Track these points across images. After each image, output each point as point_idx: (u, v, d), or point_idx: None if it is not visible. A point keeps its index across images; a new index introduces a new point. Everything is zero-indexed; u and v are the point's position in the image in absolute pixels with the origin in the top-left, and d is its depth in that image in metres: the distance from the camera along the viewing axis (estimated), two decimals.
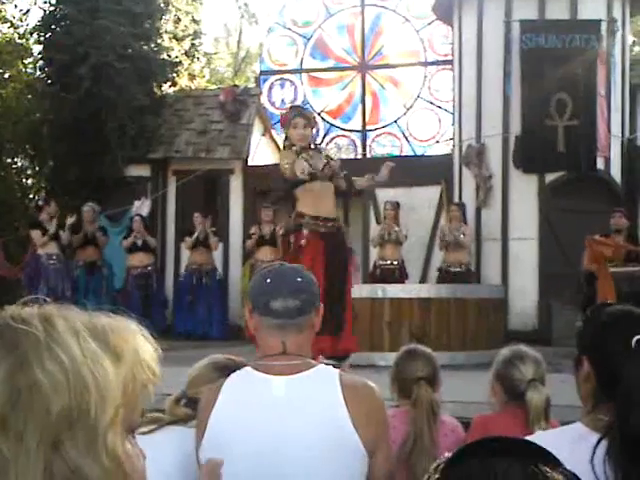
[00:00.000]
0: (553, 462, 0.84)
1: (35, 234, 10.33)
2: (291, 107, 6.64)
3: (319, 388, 1.94)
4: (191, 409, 2.25)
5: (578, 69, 9.86)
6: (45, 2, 13.19)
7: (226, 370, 2.33)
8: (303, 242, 5.94)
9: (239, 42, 25.22)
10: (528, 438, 1.82)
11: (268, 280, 2.01)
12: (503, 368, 2.84)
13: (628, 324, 1.77)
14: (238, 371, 2.04)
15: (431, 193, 11.72)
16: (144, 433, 2.03)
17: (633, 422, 1.57)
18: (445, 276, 9.85)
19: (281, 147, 6.14)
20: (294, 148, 5.85)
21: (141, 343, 0.84)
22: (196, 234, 11.00)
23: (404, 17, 13.68)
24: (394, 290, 8.03)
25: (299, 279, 2.02)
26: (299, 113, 6.03)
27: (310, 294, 2.03)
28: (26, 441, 0.74)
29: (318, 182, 5.94)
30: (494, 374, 2.87)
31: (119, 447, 0.78)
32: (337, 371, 1.99)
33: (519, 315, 9.90)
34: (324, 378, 1.96)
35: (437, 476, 0.86)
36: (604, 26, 10.16)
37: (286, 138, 6.05)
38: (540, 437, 1.86)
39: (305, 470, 1.87)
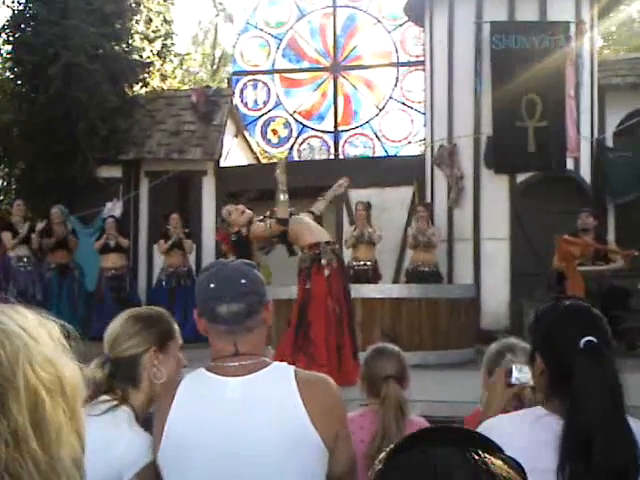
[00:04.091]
0: (493, 449, 0.86)
1: (5, 236, 10.24)
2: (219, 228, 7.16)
3: (275, 387, 1.92)
4: (115, 369, 2.14)
5: (547, 70, 9.94)
6: (14, 1, 13.03)
7: (149, 320, 2.20)
8: (326, 272, 6.11)
9: (214, 43, 25.11)
10: (492, 420, 1.92)
11: (212, 285, 1.96)
12: (495, 360, 2.81)
13: (577, 323, 1.81)
14: (193, 373, 2.01)
15: (403, 193, 11.78)
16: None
17: (578, 424, 1.69)
18: (414, 276, 9.87)
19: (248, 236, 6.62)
20: (256, 219, 6.54)
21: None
22: (173, 239, 10.91)
23: (376, 18, 13.72)
24: (366, 290, 8.05)
25: (243, 280, 1.96)
26: (222, 214, 6.96)
27: (256, 294, 1.98)
28: None
29: (302, 214, 6.48)
30: (486, 366, 2.82)
31: None
32: (292, 368, 1.97)
33: (491, 314, 9.95)
34: (279, 376, 1.94)
35: (380, 467, 0.87)
36: (573, 28, 10.27)
37: (229, 230, 6.74)
38: (502, 419, 1.95)
39: (265, 470, 1.86)
